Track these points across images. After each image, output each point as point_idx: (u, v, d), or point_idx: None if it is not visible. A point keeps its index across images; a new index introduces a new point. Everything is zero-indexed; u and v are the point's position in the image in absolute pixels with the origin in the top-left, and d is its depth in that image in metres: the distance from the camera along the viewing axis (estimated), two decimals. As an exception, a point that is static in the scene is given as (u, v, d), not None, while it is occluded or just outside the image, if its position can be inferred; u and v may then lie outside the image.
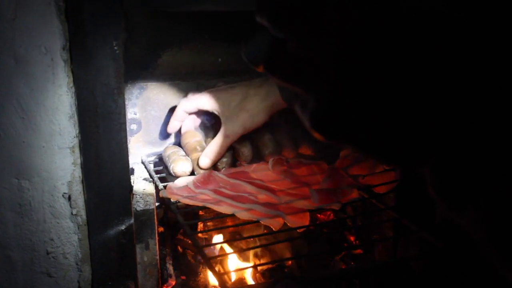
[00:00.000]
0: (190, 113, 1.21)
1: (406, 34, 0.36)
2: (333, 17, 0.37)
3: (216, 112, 1.18)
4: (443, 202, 0.38)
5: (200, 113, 1.24)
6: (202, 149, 1.15)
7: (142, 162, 1.22)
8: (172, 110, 1.24)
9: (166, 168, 1.18)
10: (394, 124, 0.37)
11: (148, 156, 1.26)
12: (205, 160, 1.12)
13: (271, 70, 0.41)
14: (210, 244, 1.12)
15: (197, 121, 1.26)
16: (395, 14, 0.36)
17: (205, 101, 1.18)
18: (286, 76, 0.41)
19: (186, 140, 1.19)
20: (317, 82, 0.38)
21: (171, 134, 1.26)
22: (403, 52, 0.36)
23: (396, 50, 0.36)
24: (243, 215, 0.95)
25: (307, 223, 0.94)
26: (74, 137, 0.91)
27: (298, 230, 0.94)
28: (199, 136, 1.21)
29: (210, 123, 1.27)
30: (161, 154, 1.25)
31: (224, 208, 0.97)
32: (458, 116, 0.35)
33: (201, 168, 1.13)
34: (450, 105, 0.35)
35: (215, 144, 1.14)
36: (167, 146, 1.21)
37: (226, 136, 1.14)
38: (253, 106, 1.15)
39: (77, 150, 0.92)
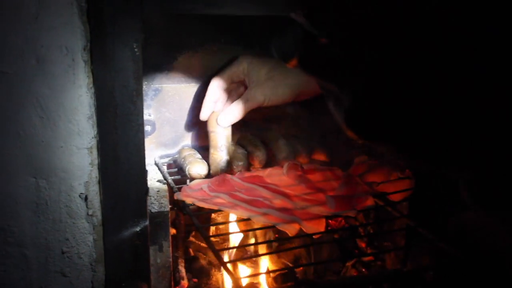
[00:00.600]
0: (224, 90, 1.19)
1: (438, 36, 0.36)
2: (370, 18, 0.37)
3: (246, 80, 1.17)
4: (477, 209, 0.37)
5: (233, 90, 1.21)
6: (229, 150, 1.15)
7: (156, 164, 1.22)
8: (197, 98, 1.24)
9: (179, 170, 1.18)
10: (429, 126, 0.37)
11: (161, 158, 1.26)
12: (224, 120, 1.14)
13: (305, 65, 0.41)
14: (226, 248, 1.12)
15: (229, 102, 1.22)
16: (423, 14, 0.36)
17: (238, 66, 1.16)
18: (320, 73, 0.41)
19: (214, 127, 1.16)
20: (353, 80, 0.38)
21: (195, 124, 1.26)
22: (437, 54, 0.36)
23: (429, 52, 0.36)
24: (259, 219, 0.94)
25: (323, 229, 0.94)
26: (92, 137, 0.91)
27: (313, 236, 0.94)
28: (229, 128, 1.17)
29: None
30: (174, 156, 1.25)
31: (239, 212, 0.97)
32: (492, 121, 0.35)
33: (219, 125, 1.14)
34: (482, 113, 0.35)
35: (235, 106, 1.15)
36: (183, 148, 1.21)
37: (246, 100, 1.14)
38: (281, 78, 1.13)
39: (95, 151, 0.92)
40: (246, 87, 1.19)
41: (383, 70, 0.37)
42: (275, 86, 1.14)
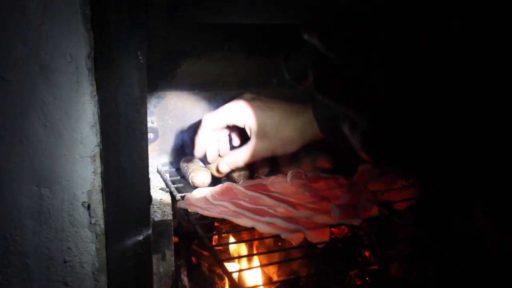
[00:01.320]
0: (219, 130, 1.14)
1: (458, 59, 0.35)
2: (386, 40, 0.37)
3: (247, 129, 1.12)
4: (492, 228, 0.37)
5: (226, 128, 1.17)
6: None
7: (158, 172, 1.22)
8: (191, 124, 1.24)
9: (182, 178, 1.17)
10: (449, 151, 0.36)
11: (164, 165, 1.26)
12: (225, 167, 1.12)
13: (319, 88, 0.41)
14: (230, 258, 1.11)
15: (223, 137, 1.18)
16: (442, 38, 0.35)
17: (236, 115, 1.11)
18: (334, 96, 0.40)
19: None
20: (369, 104, 0.38)
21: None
22: (456, 77, 0.35)
23: (448, 75, 0.35)
24: (263, 228, 0.94)
25: (327, 238, 0.93)
26: (96, 146, 0.91)
27: (318, 246, 0.93)
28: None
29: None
30: (176, 164, 1.24)
31: (243, 221, 0.96)
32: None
33: (220, 173, 1.13)
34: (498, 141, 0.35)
35: (238, 156, 1.12)
36: (186, 157, 1.20)
37: (251, 154, 1.11)
38: (287, 136, 1.11)
39: (98, 159, 0.91)
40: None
41: (401, 93, 0.36)
42: (283, 144, 1.11)
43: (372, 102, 0.38)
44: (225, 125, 1.13)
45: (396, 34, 0.36)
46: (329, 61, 0.40)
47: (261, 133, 1.10)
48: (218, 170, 1.13)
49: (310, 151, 1.22)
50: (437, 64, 0.35)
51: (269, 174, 1.18)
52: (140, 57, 0.89)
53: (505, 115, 0.34)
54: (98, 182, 0.92)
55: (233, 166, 1.12)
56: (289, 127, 1.11)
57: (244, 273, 1.15)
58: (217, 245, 1.12)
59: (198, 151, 1.13)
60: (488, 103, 0.35)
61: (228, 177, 1.17)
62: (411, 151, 0.37)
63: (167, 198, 1.08)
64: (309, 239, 0.92)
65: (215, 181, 1.14)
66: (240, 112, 1.11)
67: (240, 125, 1.12)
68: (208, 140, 1.12)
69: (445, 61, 0.35)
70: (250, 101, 1.12)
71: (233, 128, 1.17)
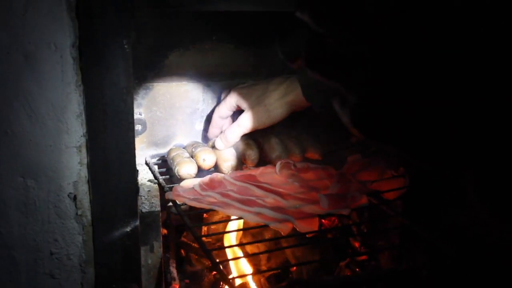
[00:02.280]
0: (226, 117, 1.25)
1: (448, 34, 0.35)
2: (377, 14, 0.36)
3: (241, 106, 1.21)
4: (484, 208, 0.37)
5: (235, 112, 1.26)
6: None
7: (147, 163, 1.21)
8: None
9: (170, 169, 1.16)
10: (439, 125, 0.36)
11: (152, 157, 1.25)
12: (220, 144, 1.19)
13: (311, 65, 0.40)
14: (218, 248, 1.10)
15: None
16: (436, 14, 0.35)
17: (231, 98, 1.21)
18: (325, 72, 0.40)
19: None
20: (359, 79, 0.37)
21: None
22: (445, 53, 0.35)
23: (437, 51, 0.35)
24: (251, 218, 0.93)
25: (316, 228, 0.93)
26: (81, 136, 0.90)
27: (307, 235, 0.93)
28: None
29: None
30: (165, 155, 1.24)
31: (232, 211, 0.96)
32: (498, 121, 0.34)
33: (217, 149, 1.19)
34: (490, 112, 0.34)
35: (229, 131, 1.19)
36: (171, 148, 1.20)
37: (238, 125, 1.18)
38: (270, 101, 1.17)
39: (84, 150, 0.90)
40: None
41: (390, 69, 0.36)
42: (267, 111, 1.18)
43: (362, 77, 0.37)
44: (230, 111, 1.23)
45: (387, 10, 0.36)
46: (321, 38, 0.39)
47: (247, 104, 1.19)
48: (213, 146, 1.20)
49: (300, 142, 1.21)
50: (429, 39, 0.35)
51: (258, 165, 1.17)
52: (126, 46, 0.88)
53: (497, 89, 0.34)
54: (84, 173, 0.91)
55: (226, 143, 1.19)
56: (270, 94, 1.18)
57: (232, 264, 1.14)
58: (205, 236, 1.11)
59: (211, 134, 1.26)
60: (481, 78, 0.34)
61: (216, 168, 1.16)
62: (401, 127, 0.37)
63: (155, 189, 1.07)
64: (297, 229, 0.92)
65: (203, 172, 1.13)
66: (232, 94, 1.21)
67: (235, 104, 1.21)
68: (220, 126, 1.25)
69: (439, 36, 0.35)
70: (239, 87, 1.23)
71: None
